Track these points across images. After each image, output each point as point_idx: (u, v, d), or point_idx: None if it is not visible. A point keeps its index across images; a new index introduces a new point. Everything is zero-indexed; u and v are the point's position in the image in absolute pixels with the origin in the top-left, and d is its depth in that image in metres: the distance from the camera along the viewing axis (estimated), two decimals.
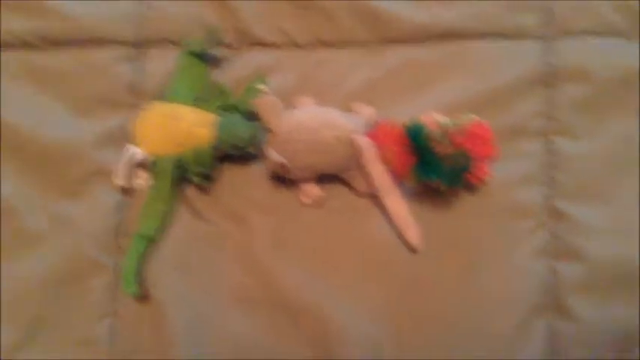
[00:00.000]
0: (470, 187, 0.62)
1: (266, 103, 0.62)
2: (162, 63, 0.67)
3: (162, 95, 0.65)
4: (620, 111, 0.64)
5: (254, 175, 0.64)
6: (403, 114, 0.61)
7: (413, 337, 0.59)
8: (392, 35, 0.67)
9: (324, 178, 0.63)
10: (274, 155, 0.60)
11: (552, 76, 0.65)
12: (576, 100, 0.64)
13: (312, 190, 0.62)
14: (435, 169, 0.57)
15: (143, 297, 0.61)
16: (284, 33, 0.68)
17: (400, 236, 0.61)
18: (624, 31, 0.66)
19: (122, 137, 0.65)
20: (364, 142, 0.59)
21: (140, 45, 0.69)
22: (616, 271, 0.60)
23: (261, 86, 0.64)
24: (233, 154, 0.62)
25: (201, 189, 0.63)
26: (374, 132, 0.61)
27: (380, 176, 0.60)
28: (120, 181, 0.62)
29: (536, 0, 0.67)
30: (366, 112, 0.63)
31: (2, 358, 0.60)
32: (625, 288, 0.59)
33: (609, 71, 0.64)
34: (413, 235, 0.60)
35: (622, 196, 0.62)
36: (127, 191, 0.64)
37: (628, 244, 0.60)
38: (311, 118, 0.61)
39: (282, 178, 0.62)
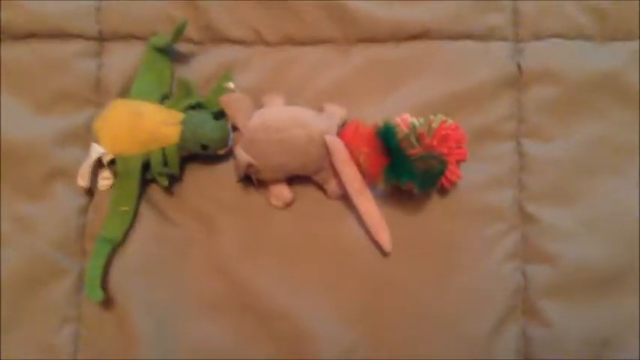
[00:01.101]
0: (441, 190, 0.62)
1: (233, 100, 0.61)
2: (126, 58, 0.66)
3: (127, 92, 0.64)
4: (588, 113, 0.65)
5: (222, 175, 0.63)
6: (373, 113, 0.61)
7: (386, 339, 0.60)
8: (362, 34, 0.66)
9: (295, 180, 0.62)
10: (242, 155, 0.59)
11: (521, 78, 0.65)
12: (545, 103, 0.65)
13: (282, 192, 0.62)
14: (407, 171, 0.57)
15: (107, 302, 0.60)
16: (252, 30, 0.67)
17: (372, 239, 0.61)
18: (592, 34, 0.67)
19: (85, 136, 0.64)
20: (336, 143, 0.59)
21: (104, 40, 0.67)
22: (585, 274, 0.61)
23: (229, 84, 0.63)
24: (200, 154, 0.61)
25: (167, 190, 0.62)
26: (345, 132, 0.60)
27: (351, 178, 0.59)
28: (83, 182, 0.60)
29: (505, 1, 0.67)
30: (337, 111, 0.63)
31: None
32: (594, 290, 0.61)
33: (577, 74, 0.65)
34: (384, 237, 0.60)
35: (589, 199, 0.63)
36: (90, 192, 0.62)
37: (594, 247, 0.61)
38: (280, 116, 0.60)
39: (252, 179, 0.61)
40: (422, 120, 0.58)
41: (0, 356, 0.59)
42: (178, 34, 0.64)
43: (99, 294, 0.57)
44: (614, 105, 0.65)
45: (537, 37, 0.67)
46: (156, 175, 0.61)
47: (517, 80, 0.65)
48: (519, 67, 0.65)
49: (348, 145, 0.59)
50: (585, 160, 0.64)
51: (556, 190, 0.63)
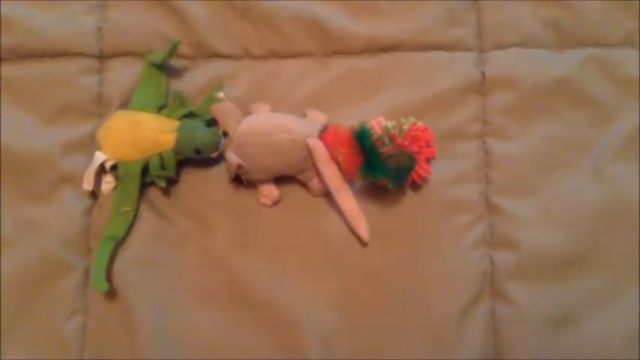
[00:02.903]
0: (413, 185, 0.66)
1: (223, 109, 0.66)
2: (125, 74, 0.70)
3: (127, 104, 0.69)
4: (546, 114, 0.69)
5: (215, 177, 0.67)
6: (351, 119, 0.65)
7: (364, 323, 0.63)
8: (338, 47, 0.71)
9: (281, 179, 0.66)
10: (232, 157, 0.63)
11: (485, 84, 0.70)
12: (507, 106, 0.69)
13: (270, 191, 0.66)
14: (381, 168, 0.61)
15: (111, 294, 0.63)
16: (240, 45, 0.72)
17: (351, 230, 0.65)
18: (549, 43, 0.72)
19: (89, 145, 0.68)
20: (317, 145, 0.63)
21: (104, 57, 0.72)
22: (545, 258, 0.65)
23: (219, 94, 0.68)
24: (194, 158, 0.65)
25: (164, 191, 0.66)
26: (325, 135, 0.65)
27: (331, 176, 0.63)
28: (88, 186, 0.65)
29: (470, 14, 0.72)
30: (319, 117, 0.67)
31: None
32: (554, 272, 0.64)
33: (536, 79, 0.70)
34: (363, 229, 0.64)
35: (548, 191, 0.67)
36: (94, 195, 0.67)
37: (554, 233, 0.65)
38: (266, 122, 0.65)
39: (242, 180, 0.66)
40: (394, 122, 0.62)
41: (6, 348, 0.62)
42: (173, 50, 0.68)
43: (104, 285, 0.61)
44: (568, 107, 0.69)
45: (499, 46, 0.72)
46: (154, 177, 0.65)
47: (481, 86, 0.70)
48: (483, 74, 0.70)
49: (327, 147, 0.63)
50: (544, 156, 0.68)
51: (519, 184, 0.67)
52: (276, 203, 0.67)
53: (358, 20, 0.72)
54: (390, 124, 0.62)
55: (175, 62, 0.71)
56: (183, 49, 0.71)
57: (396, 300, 0.64)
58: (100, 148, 0.66)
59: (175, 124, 0.65)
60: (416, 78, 0.70)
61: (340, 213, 0.65)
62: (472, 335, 0.63)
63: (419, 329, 0.63)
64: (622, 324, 0.63)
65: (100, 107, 0.70)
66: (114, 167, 0.65)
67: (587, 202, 0.66)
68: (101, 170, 0.66)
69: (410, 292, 0.64)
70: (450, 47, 0.72)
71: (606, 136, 0.69)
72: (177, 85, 0.71)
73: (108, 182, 0.66)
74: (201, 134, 0.64)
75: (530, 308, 0.63)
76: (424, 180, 0.66)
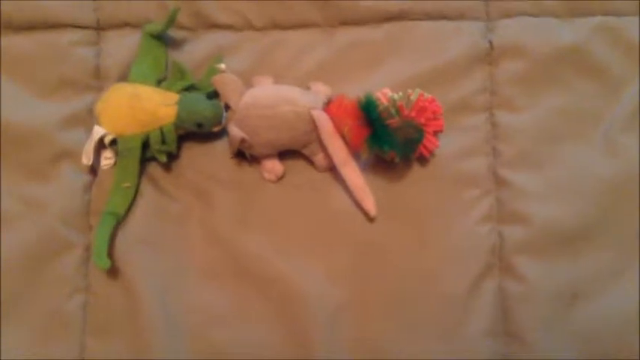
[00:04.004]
0: (421, 158, 0.65)
1: (225, 80, 0.64)
2: (123, 45, 0.69)
3: (125, 77, 0.67)
4: (555, 85, 0.68)
5: (217, 152, 0.66)
6: (356, 91, 0.63)
7: (371, 298, 0.63)
8: (343, 17, 0.70)
9: (285, 154, 0.65)
10: (235, 131, 0.62)
11: (493, 54, 0.69)
12: (515, 76, 0.68)
13: (274, 166, 0.65)
14: (388, 140, 0.60)
15: (113, 271, 0.63)
16: (241, 15, 0.70)
17: (358, 205, 0.64)
18: (557, 11, 0.70)
19: (87, 119, 0.67)
20: (321, 117, 0.62)
21: (101, 29, 0.70)
22: (554, 232, 0.64)
23: (221, 65, 0.67)
24: (196, 132, 0.64)
25: (165, 166, 0.65)
26: (330, 107, 0.64)
27: (337, 149, 0.63)
28: (87, 161, 0.64)
29: None
30: (323, 89, 0.66)
31: None
32: (563, 247, 0.64)
33: (544, 48, 0.68)
34: (369, 204, 0.63)
35: (557, 163, 0.66)
36: (94, 171, 0.66)
37: (563, 207, 0.64)
38: (269, 94, 0.63)
39: (245, 155, 0.65)
40: (401, 94, 0.61)
41: (8, 327, 0.62)
42: (171, 21, 0.67)
43: (106, 262, 0.60)
44: (577, 76, 0.68)
45: (507, 15, 0.70)
46: (155, 152, 0.64)
47: (489, 56, 0.69)
48: (491, 43, 0.69)
49: (332, 119, 0.62)
50: (552, 128, 0.67)
51: (527, 157, 0.66)
52: (280, 178, 0.66)
53: None
54: (396, 95, 0.61)
55: (174, 33, 0.70)
56: (183, 19, 0.70)
57: (403, 276, 0.63)
58: (98, 123, 0.64)
59: (176, 97, 0.64)
60: (422, 48, 0.69)
61: (346, 188, 0.64)
62: (480, 312, 0.63)
63: (426, 305, 0.63)
64: (634, 298, 0.62)
65: (98, 80, 0.69)
66: (113, 142, 0.64)
67: (597, 174, 0.66)
68: (100, 145, 0.64)
69: (417, 268, 0.64)
70: (457, 16, 0.70)
71: (616, 107, 0.68)
72: (177, 56, 0.69)
73: (107, 158, 0.65)
74: (202, 107, 0.63)
75: (539, 284, 0.63)
76: (431, 153, 0.65)
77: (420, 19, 0.70)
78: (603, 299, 0.63)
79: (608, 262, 0.63)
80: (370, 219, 0.64)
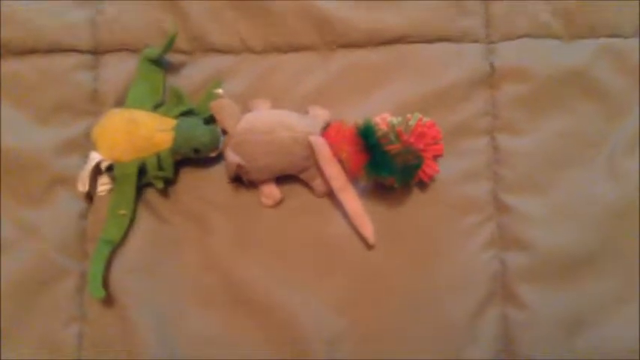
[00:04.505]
0: (420, 184, 0.64)
1: (222, 105, 0.64)
2: (121, 70, 0.68)
3: (122, 102, 0.67)
4: (557, 108, 0.67)
5: (214, 177, 0.65)
6: (355, 115, 0.63)
7: (371, 326, 0.62)
8: (341, 40, 0.69)
9: (283, 179, 0.65)
10: (231, 156, 0.62)
11: (494, 77, 0.68)
12: (517, 99, 0.67)
13: (272, 191, 0.64)
14: (387, 166, 0.60)
15: (108, 300, 0.62)
16: (239, 39, 0.69)
17: (356, 232, 0.63)
18: (559, 33, 0.69)
19: (84, 144, 0.66)
20: (319, 142, 0.62)
21: (99, 53, 0.70)
22: (558, 259, 0.63)
23: (218, 90, 0.66)
24: (193, 157, 0.64)
25: (162, 192, 0.65)
26: (328, 132, 0.63)
27: (335, 175, 0.62)
28: (83, 187, 0.63)
29: (477, 3, 0.70)
30: (321, 113, 0.66)
31: None
32: (566, 273, 0.63)
33: (546, 71, 0.67)
34: (368, 231, 0.62)
35: (559, 188, 0.65)
36: (90, 197, 0.65)
37: (566, 233, 0.63)
38: (267, 119, 0.63)
39: (242, 180, 0.64)
40: (400, 118, 0.61)
41: (2, 356, 0.61)
42: (169, 45, 0.66)
43: (101, 292, 0.59)
44: (580, 99, 0.67)
45: (508, 37, 0.69)
46: (152, 178, 0.63)
47: (490, 78, 0.68)
48: (492, 66, 0.68)
49: (331, 145, 0.62)
50: (555, 152, 0.66)
51: (529, 181, 0.65)
52: (277, 204, 0.65)
53: (361, 12, 0.69)
54: (395, 120, 0.61)
55: (172, 57, 0.69)
56: (181, 43, 0.69)
57: (403, 304, 0.62)
58: (95, 148, 0.64)
59: (173, 122, 0.64)
60: (422, 71, 0.68)
61: (344, 214, 0.63)
62: (483, 340, 0.62)
63: (428, 334, 0.62)
64: (637, 326, 0.61)
65: (95, 105, 0.68)
66: (110, 168, 0.63)
67: (601, 199, 0.65)
68: (96, 171, 0.64)
69: (417, 296, 0.62)
70: (457, 39, 0.70)
71: (620, 130, 0.67)
72: (175, 81, 0.69)
73: (104, 184, 0.65)
74: (199, 133, 0.63)
75: (543, 312, 0.62)
76: (431, 179, 0.64)
77: (420, 42, 0.69)
78: (606, 327, 0.61)
79: (611, 289, 0.62)
80: (369, 246, 0.63)
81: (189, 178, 0.66)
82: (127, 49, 0.70)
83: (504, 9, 0.70)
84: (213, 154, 0.64)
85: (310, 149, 0.62)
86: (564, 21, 0.70)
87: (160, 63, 0.68)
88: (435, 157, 0.63)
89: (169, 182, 0.65)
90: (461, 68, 0.68)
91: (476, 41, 0.70)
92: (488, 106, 0.68)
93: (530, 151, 0.66)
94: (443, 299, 0.62)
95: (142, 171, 0.63)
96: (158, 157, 0.63)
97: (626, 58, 0.69)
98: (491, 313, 0.63)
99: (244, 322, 0.62)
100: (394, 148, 0.60)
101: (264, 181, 0.64)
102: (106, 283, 0.62)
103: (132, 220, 0.64)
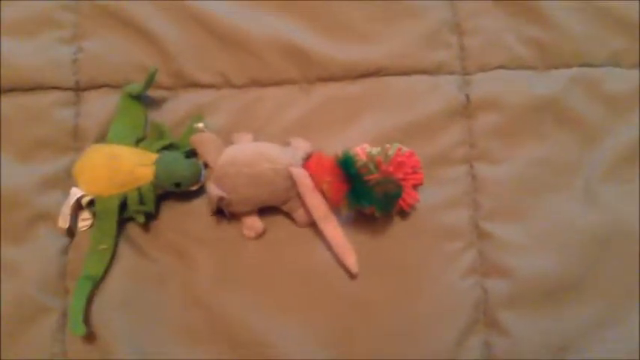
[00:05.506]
0: (401, 213, 0.65)
1: (203, 139, 0.65)
2: (102, 106, 0.69)
3: (103, 138, 0.67)
4: (533, 136, 0.68)
5: (196, 210, 0.65)
6: (335, 146, 0.63)
7: (357, 357, 0.61)
8: (320, 74, 0.70)
9: (265, 210, 0.65)
10: (213, 189, 0.62)
11: (470, 107, 0.69)
12: (493, 128, 0.68)
13: (254, 223, 0.64)
14: (367, 196, 0.60)
15: (90, 337, 0.61)
16: (220, 74, 0.70)
17: (339, 262, 0.63)
18: (533, 64, 0.71)
19: (66, 180, 0.66)
20: (300, 173, 0.62)
21: (80, 90, 0.70)
22: (539, 285, 0.63)
23: (199, 124, 0.67)
24: (174, 191, 0.64)
25: (143, 227, 0.65)
26: (309, 163, 0.64)
27: (317, 205, 0.62)
28: (64, 223, 0.63)
29: (452, 37, 0.72)
30: (302, 145, 0.66)
31: None
32: (548, 300, 0.63)
33: (521, 101, 0.69)
34: (351, 260, 0.62)
35: (538, 215, 0.66)
36: (71, 234, 0.65)
37: (546, 259, 0.64)
38: (248, 152, 0.63)
39: (224, 213, 0.64)
40: (379, 149, 0.61)
41: None
42: (150, 81, 0.67)
43: (82, 329, 0.59)
44: (555, 128, 0.69)
45: (483, 69, 0.71)
46: (133, 213, 0.63)
47: (466, 109, 0.69)
48: (467, 97, 0.69)
49: (312, 175, 0.62)
50: (532, 179, 0.67)
51: (508, 209, 0.66)
52: (260, 235, 0.65)
53: (338, 45, 0.71)
54: (374, 150, 0.62)
55: (154, 93, 0.70)
56: (162, 79, 0.70)
57: (387, 333, 0.62)
58: (76, 184, 0.64)
59: (154, 156, 0.64)
60: (400, 103, 0.69)
61: (327, 244, 0.63)
62: None
63: None
64: (621, 352, 0.61)
65: (77, 141, 0.68)
66: (91, 203, 0.63)
67: (580, 225, 0.65)
68: (78, 207, 0.64)
69: (401, 325, 0.62)
70: (433, 71, 0.71)
71: (595, 156, 0.68)
72: (157, 116, 0.69)
73: (84, 219, 0.64)
74: (180, 167, 0.63)
75: (525, 338, 0.62)
76: (412, 207, 0.64)
77: (397, 75, 0.70)
78: (589, 352, 0.62)
79: (593, 314, 0.63)
80: (352, 276, 0.63)
81: (170, 212, 0.66)
82: (108, 86, 0.70)
83: (479, 41, 0.72)
84: (194, 188, 0.64)
85: (292, 180, 0.62)
86: (537, 52, 0.72)
87: (140, 99, 0.68)
88: (415, 186, 0.64)
89: (151, 217, 0.65)
90: (437, 99, 0.69)
91: (452, 73, 0.71)
92: (465, 136, 0.69)
93: (507, 178, 0.67)
94: (426, 328, 0.62)
95: (123, 205, 0.63)
96: (139, 191, 0.63)
97: (599, 86, 0.71)
98: (474, 340, 0.63)
99: (228, 357, 0.61)
100: (374, 177, 0.60)
101: (246, 213, 0.64)
102: (87, 319, 0.61)
103: (113, 256, 0.63)
